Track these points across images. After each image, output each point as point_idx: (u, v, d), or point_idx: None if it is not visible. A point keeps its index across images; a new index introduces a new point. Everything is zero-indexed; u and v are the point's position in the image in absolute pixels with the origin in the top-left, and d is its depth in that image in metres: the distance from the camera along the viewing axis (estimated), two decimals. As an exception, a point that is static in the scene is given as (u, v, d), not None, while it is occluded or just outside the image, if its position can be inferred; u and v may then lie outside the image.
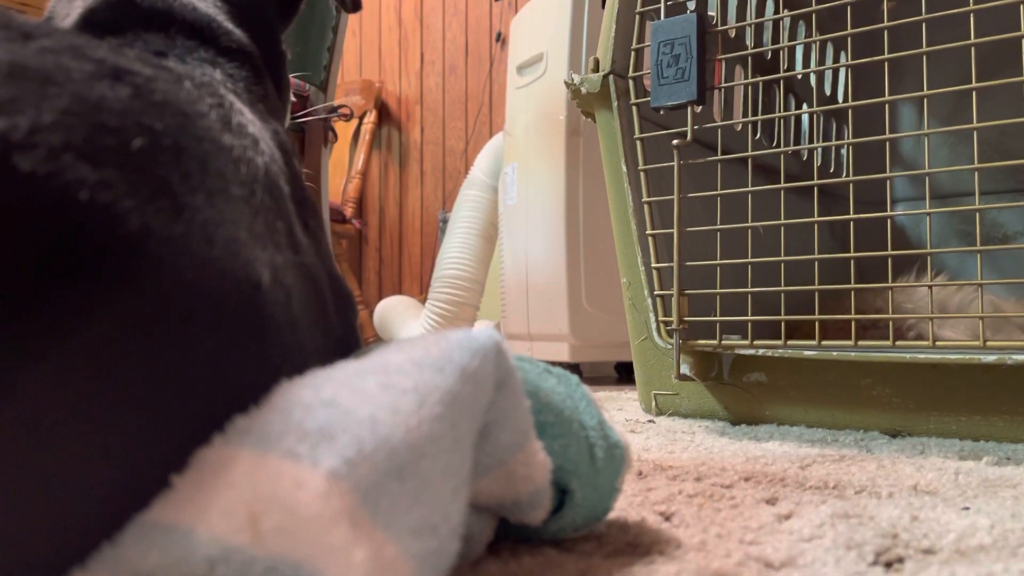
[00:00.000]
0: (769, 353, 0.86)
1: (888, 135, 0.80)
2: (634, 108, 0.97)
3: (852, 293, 0.81)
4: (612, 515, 0.47)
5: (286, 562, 0.24)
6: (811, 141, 1.28)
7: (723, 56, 0.95)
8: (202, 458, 0.26)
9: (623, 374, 1.73)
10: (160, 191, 0.27)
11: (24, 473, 0.23)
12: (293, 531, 0.24)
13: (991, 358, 0.73)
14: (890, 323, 0.79)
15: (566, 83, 1.04)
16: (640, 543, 0.42)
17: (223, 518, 0.24)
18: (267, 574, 0.23)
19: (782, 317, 0.85)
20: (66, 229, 0.23)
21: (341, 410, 0.28)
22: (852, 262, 0.81)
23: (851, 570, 0.38)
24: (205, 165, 0.30)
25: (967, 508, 0.50)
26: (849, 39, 0.87)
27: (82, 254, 0.23)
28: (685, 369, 0.93)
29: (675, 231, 0.90)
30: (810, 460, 0.69)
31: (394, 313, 2.39)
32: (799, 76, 1.26)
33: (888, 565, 0.39)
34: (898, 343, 0.78)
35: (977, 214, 0.77)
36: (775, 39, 1.14)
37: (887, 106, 0.81)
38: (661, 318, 0.95)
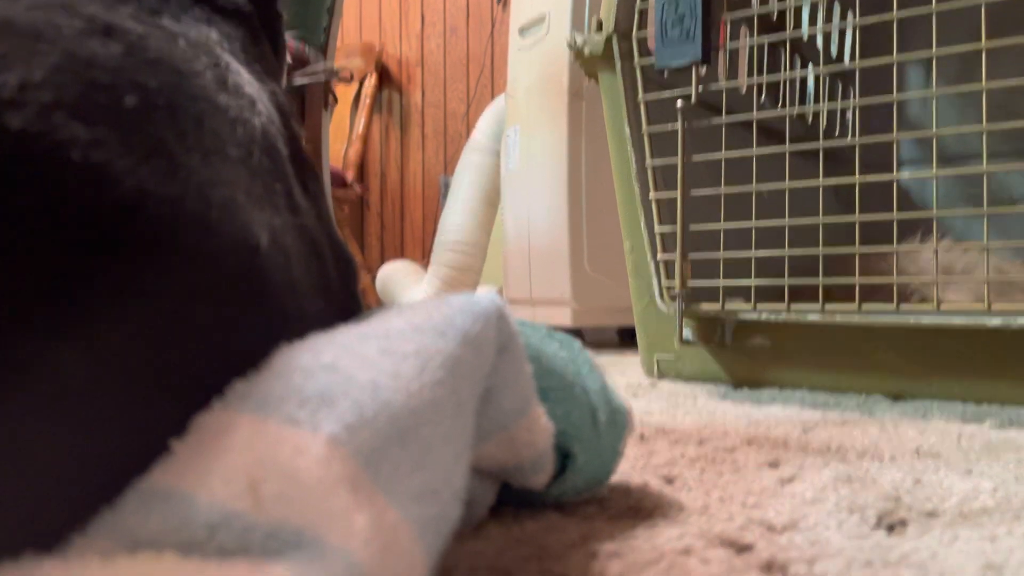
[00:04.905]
0: (772, 317, 0.86)
1: (896, 95, 0.79)
2: (638, 69, 0.96)
3: (856, 256, 0.80)
4: (614, 479, 0.47)
5: (287, 528, 0.23)
6: (817, 103, 1.26)
7: (729, 16, 0.93)
8: (201, 423, 0.26)
9: (625, 339, 1.73)
10: (154, 151, 0.26)
11: (23, 438, 0.23)
12: (293, 497, 0.24)
13: (996, 321, 0.73)
14: (894, 287, 0.78)
15: (568, 45, 1.03)
16: (642, 507, 0.42)
17: (223, 484, 0.24)
18: (268, 540, 0.23)
19: (785, 281, 0.84)
20: (57, 189, 0.22)
21: (342, 375, 0.27)
22: (857, 225, 0.81)
23: (853, 533, 0.37)
24: (201, 125, 0.30)
25: (970, 471, 0.50)
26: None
27: (74, 215, 0.22)
28: (688, 333, 0.93)
29: (679, 195, 0.89)
30: (812, 424, 0.69)
31: (397, 278, 2.39)
32: (805, 37, 1.24)
33: (890, 528, 0.39)
34: (902, 307, 0.78)
35: (985, 176, 0.76)
36: (781, -2, 1.12)
37: (895, 67, 0.80)
38: (664, 282, 0.94)
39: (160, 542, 0.23)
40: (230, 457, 0.25)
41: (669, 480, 0.48)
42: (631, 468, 0.51)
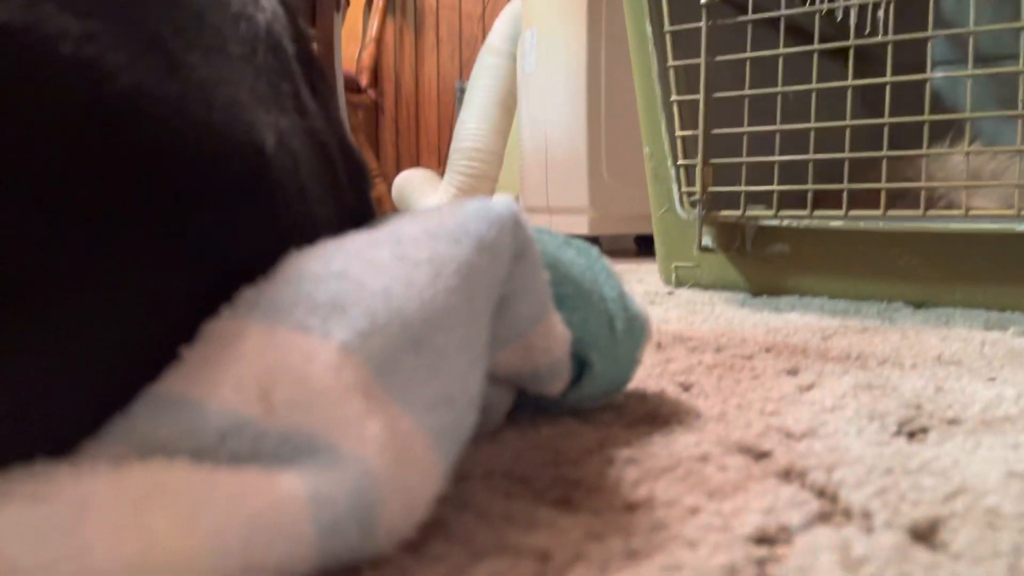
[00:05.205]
0: (794, 224, 0.84)
1: (932, -10, 0.75)
2: (660, -36, 0.91)
3: (884, 161, 0.78)
4: (631, 386, 0.46)
5: (299, 435, 0.23)
6: None
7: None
8: (210, 331, 0.25)
9: (643, 247, 1.72)
10: (151, 46, 0.25)
11: (34, 346, 0.22)
12: (305, 404, 0.23)
13: (1025, 227, 0.71)
14: (922, 192, 0.76)
15: (588, -62, 0.98)
16: (659, 414, 0.42)
17: (234, 391, 0.24)
18: (280, 447, 0.23)
19: (809, 186, 0.82)
20: (47, 86, 0.21)
21: (353, 282, 0.27)
22: (886, 128, 0.78)
23: (873, 440, 0.37)
24: (201, 20, 0.28)
25: (993, 379, 0.50)
26: None
27: (66, 114, 0.21)
28: (707, 240, 0.91)
29: (701, 97, 0.86)
30: (832, 331, 0.68)
31: (412, 186, 2.37)
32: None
33: (911, 435, 0.39)
34: (929, 213, 0.76)
35: (1021, 77, 0.73)
36: None
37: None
38: (684, 188, 0.93)
39: (171, 448, 0.23)
40: (240, 364, 0.24)
41: (686, 387, 0.48)
42: (648, 376, 0.51)
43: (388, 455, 0.24)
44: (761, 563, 0.25)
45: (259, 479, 0.22)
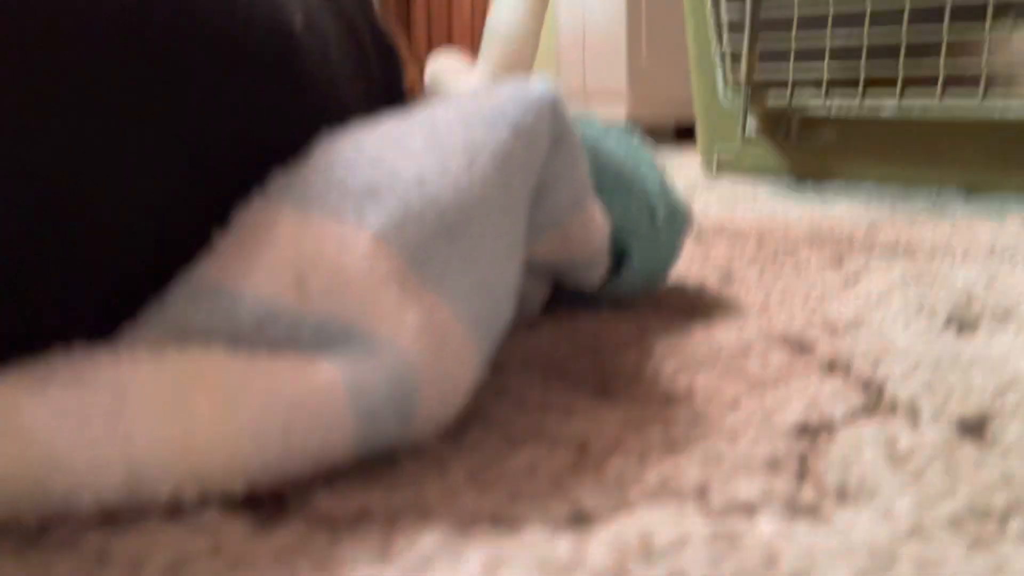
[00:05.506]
0: (844, 112, 0.81)
1: None
2: None
3: (944, 41, 0.74)
4: (671, 278, 0.46)
5: (335, 323, 0.23)
6: None
7: None
8: (243, 218, 0.25)
9: (683, 134, 1.68)
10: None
11: (73, 228, 0.22)
12: (341, 293, 0.23)
13: (1092, 113, 0.67)
14: (983, 75, 0.72)
15: None
16: (699, 305, 0.42)
17: (269, 278, 0.23)
18: (317, 334, 0.23)
19: (861, 71, 0.78)
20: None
21: (386, 169, 0.26)
22: (948, 6, 0.73)
23: (921, 333, 0.36)
24: None
25: (1047, 272, 0.48)
26: None
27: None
28: (751, 128, 0.88)
29: (749, -26, 0.82)
30: (880, 221, 0.66)
31: (446, 71, 2.32)
32: None
33: (961, 329, 0.38)
34: (987, 98, 0.72)
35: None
36: None
37: None
38: (729, 73, 0.89)
39: (208, 335, 0.23)
40: (274, 252, 0.24)
41: (727, 279, 0.47)
42: (688, 267, 0.50)
43: (425, 343, 0.23)
44: (803, 456, 0.24)
45: (297, 367, 0.22)
